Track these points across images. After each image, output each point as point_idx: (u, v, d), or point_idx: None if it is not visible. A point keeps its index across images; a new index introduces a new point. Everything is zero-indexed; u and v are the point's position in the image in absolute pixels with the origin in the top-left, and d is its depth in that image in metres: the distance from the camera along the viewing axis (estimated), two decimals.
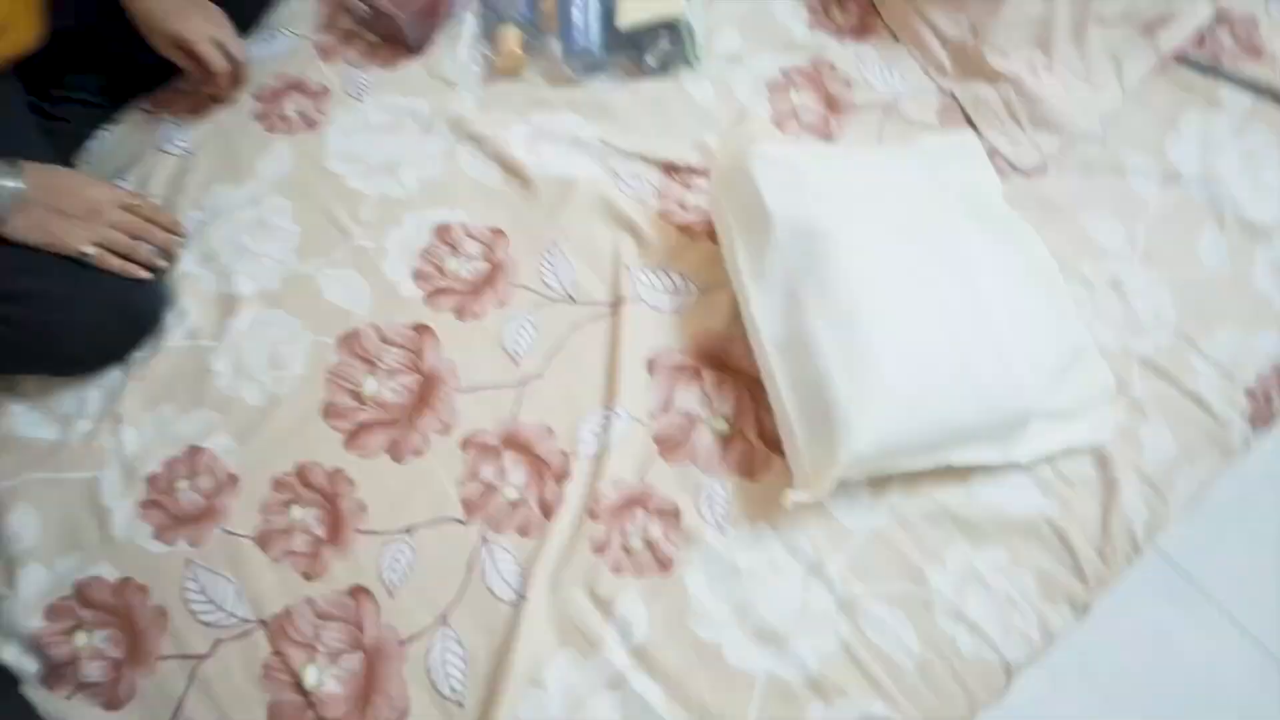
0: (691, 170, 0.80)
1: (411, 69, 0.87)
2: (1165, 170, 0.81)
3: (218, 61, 0.79)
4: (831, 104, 0.85)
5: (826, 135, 0.83)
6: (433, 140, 0.82)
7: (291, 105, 0.85)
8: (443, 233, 0.77)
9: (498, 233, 0.78)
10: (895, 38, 0.89)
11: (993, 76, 0.85)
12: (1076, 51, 0.86)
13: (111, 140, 0.84)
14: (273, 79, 0.86)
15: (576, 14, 0.82)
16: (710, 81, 0.86)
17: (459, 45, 0.87)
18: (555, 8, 0.84)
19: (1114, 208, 0.80)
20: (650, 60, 0.84)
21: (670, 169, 0.80)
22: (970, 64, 0.86)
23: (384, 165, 0.81)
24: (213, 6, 0.80)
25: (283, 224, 0.78)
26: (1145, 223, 0.80)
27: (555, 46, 0.86)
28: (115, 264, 0.69)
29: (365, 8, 0.84)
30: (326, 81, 0.86)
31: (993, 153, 0.81)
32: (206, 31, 0.78)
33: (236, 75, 0.83)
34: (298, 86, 0.86)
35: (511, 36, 0.83)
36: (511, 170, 0.80)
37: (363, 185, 0.80)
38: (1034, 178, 0.82)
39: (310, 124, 0.83)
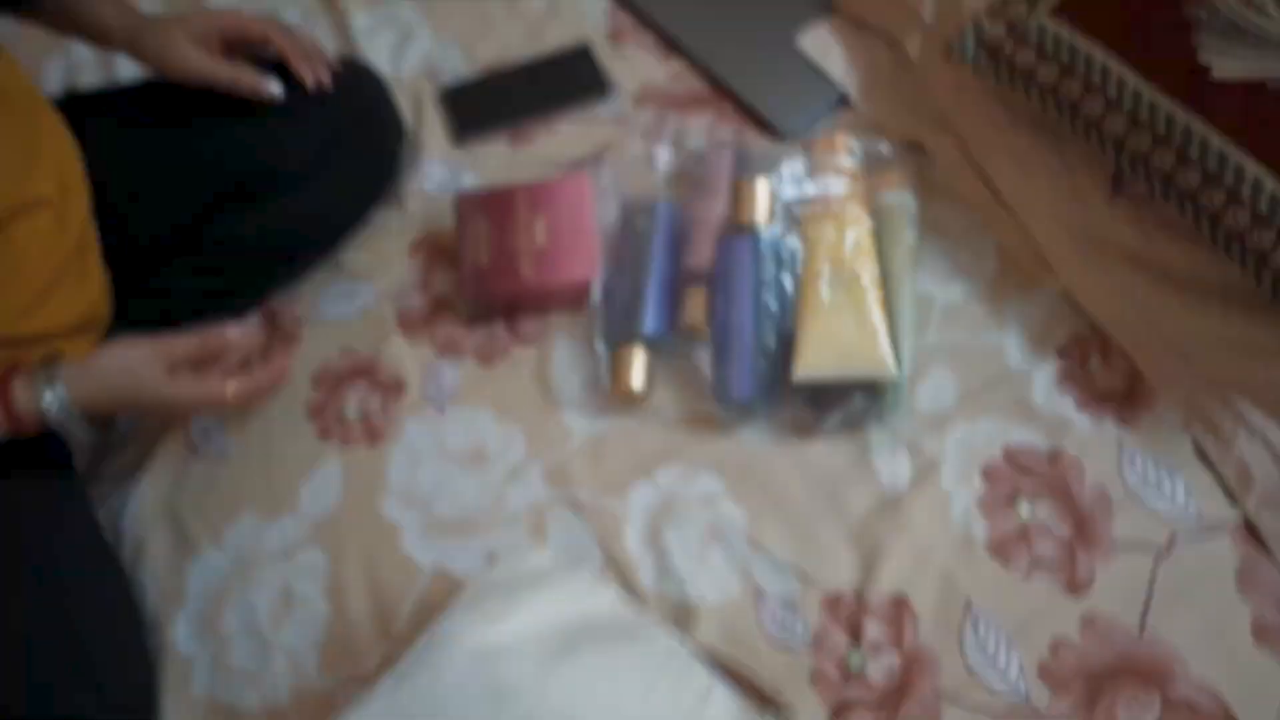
0: (864, 610, 0.56)
1: (514, 368, 0.68)
2: None
3: (277, 33, 0.64)
4: (1081, 527, 0.60)
5: (1073, 585, 0.58)
6: (519, 491, 0.63)
7: (354, 401, 0.67)
8: None
9: None
10: (1179, 420, 0.61)
11: None
12: None
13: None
14: (338, 355, 0.70)
15: (737, 348, 0.60)
16: (907, 453, 0.62)
17: (577, 352, 0.67)
18: (704, 320, 0.63)
19: None
20: (832, 423, 0.62)
21: (834, 606, 0.58)
22: None
23: (451, 524, 0.62)
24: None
25: (311, 600, 0.61)
26: None
27: (701, 364, 0.65)
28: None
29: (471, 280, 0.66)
30: (403, 372, 0.68)
31: None
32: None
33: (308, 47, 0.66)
34: (366, 373, 0.69)
35: (634, 364, 0.62)
36: (616, 566, 0.60)
37: (418, 550, 0.62)
38: None
39: (373, 436, 0.66)
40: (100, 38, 0.63)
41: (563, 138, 0.78)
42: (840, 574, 0.59)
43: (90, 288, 0.62)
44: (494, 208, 0.68)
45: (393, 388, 0.68)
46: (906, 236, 0.63)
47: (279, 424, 0.67)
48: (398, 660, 0.51)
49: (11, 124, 0.56)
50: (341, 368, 0.69)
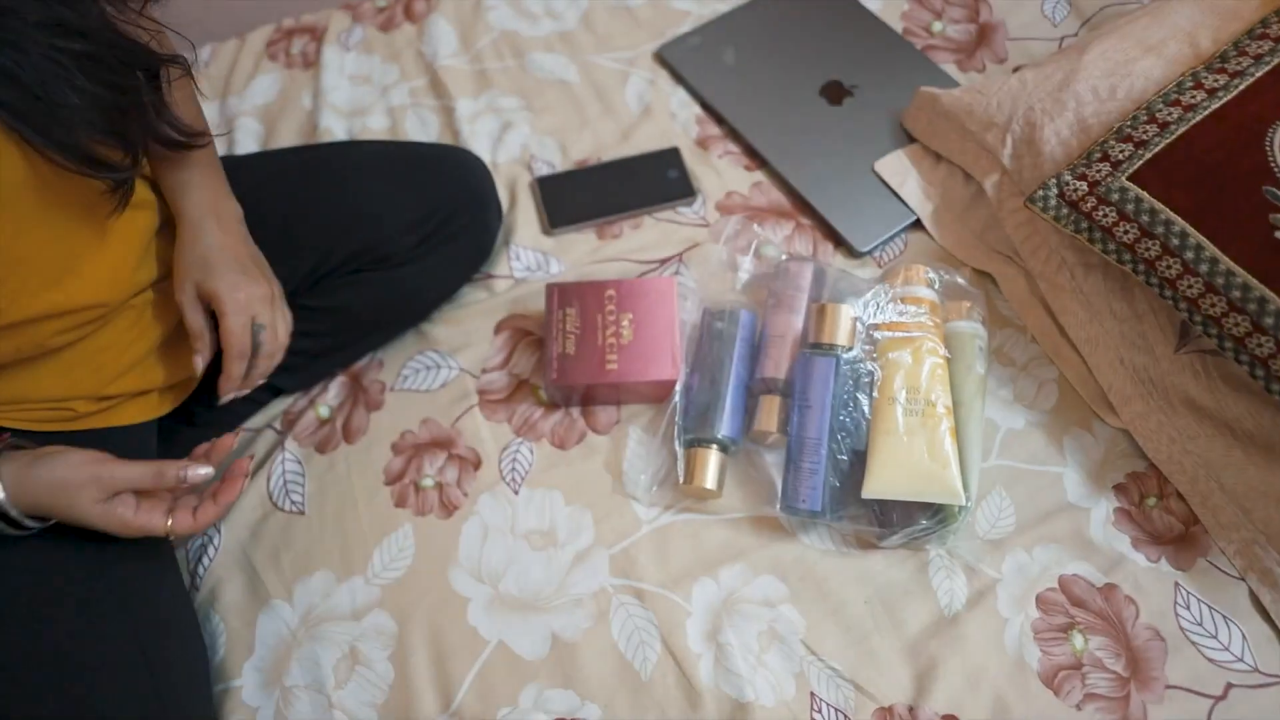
0: None
1: (588, 455, 0.70)
2: None
3: (240, 342, 0.59)
4: (1134, 665, 0.62)
5: None
6: (585, 575, 0.65)
7: (431, 472, 0.71)
8: None
9: None
10: (1236, 569, 0.63)
11: None
12: None
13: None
14: (419, 425, 0.73)
15: (811, 460, 0.62)
16: (964, 575, 0.65)
17: (649, 445, 0.71)
18: (776, 428, 0.66)
19: None
20: (895, 541, 0.64)
21: (887, 719, 0.60)
22: None
23: (517, 601, 0.65)
24: (269, 279, 0.62)
25: (375, 662, 0.63)
26: None
27: (769, 469, 0.69)
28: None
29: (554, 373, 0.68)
30: (481, 448, 0.71)
31: None
32: (247, 303, 0.59)
33: (252, 368, 0.61)
34: (445, 445, 0.72)
35: (709, 463, 0.65)
36: (676, 661, 0.62)
37: (483, 624, 0.64)
38: None
39: (448, 508, 0.69)
40: (177, 215, 0.61)
41: (647, 236, 0.83)
42: (895, 688, 0.61)
43: (188, 347, 0.61)
44: (584, 298, 0.71)
45: (469, 462, 0.71)
46: (977, 366, 0.66)
47: (358, 487, 0.70)
48: None
49: (59, 232, 0.53)
50: (421, 438, 0.73)
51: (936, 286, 0.68)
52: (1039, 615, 0.63)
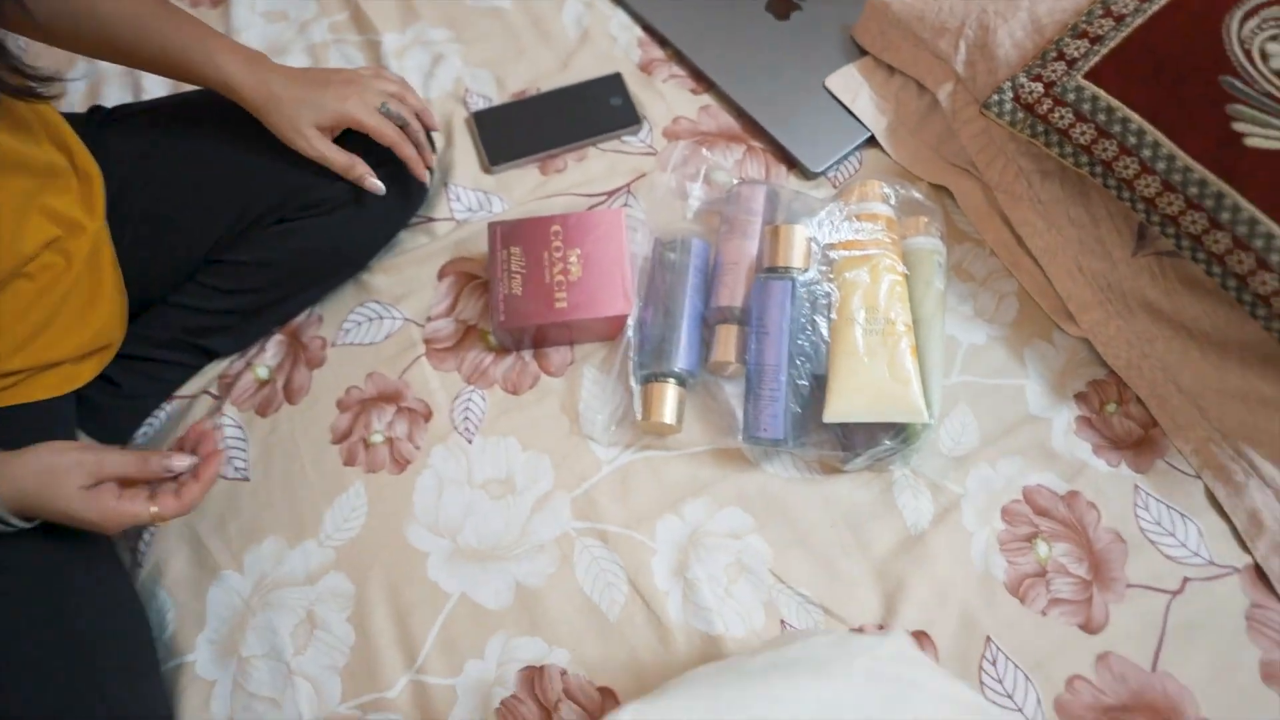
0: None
1: (542, 398, 0.69)
2: None
3: (390, 132, 0.65)
4: (1097, 568, 0.63)
5: (1089, 624, 0.61)
6: (546, 522, 0.64)
7: (380, 426, 0.69)
8: (531, 679, 0.59)
9: (606, 693, 0.59)
10: (1192, 467, 0.64)
11: None
12: None
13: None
14: (364, 381, 0.71)
15: (770, 388, 0.62)
16: (929, 493, 0.65)
17: (605, 384, 0.69)
18: (735, 357, 0.65)
19: None
20: (858, 463, 0.64)
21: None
22: None
23: (477, 553, 0.63)
24: (336, 70, 0.67)
25: (334, 625, 0.61)
26: None
27: (730, 400, 0.68)
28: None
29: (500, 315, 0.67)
30: (431, 399, 0.69)
31: None
32: (360, 103, 0.64)
33: (420, 138, 0.68)
34: (393, 399, 0.70)
35: (667, 398, 0.64)
36: (644, 600, 0.62)
37: (443, 577, 0.63)
38: None
39: (400, 463, 0.67)
40: (223, 89, 0.63)
41: (592, 168, 0.80)
42: (863, 609, 0.61)
43: (99, 314, 0.62)
44: (528, 236, 0.69)
45: (419, 414, 0.69)
46: (936, 281, 0.65)
47: (304, 448, 0.68)
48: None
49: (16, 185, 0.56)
50: (367, 392, 0.70)
51: (892, 202, 0.67)
52: (1004, 527, 0.64)
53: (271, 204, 0.66)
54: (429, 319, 0.73)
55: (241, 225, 0.66)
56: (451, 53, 0.85)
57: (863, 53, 0.82)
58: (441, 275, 0.75)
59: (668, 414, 0.64)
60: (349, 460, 0.67)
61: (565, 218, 0.69)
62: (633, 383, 0.66)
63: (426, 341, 0.72)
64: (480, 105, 0.82)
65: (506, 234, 0.69)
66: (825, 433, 0.64)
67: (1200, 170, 0.58)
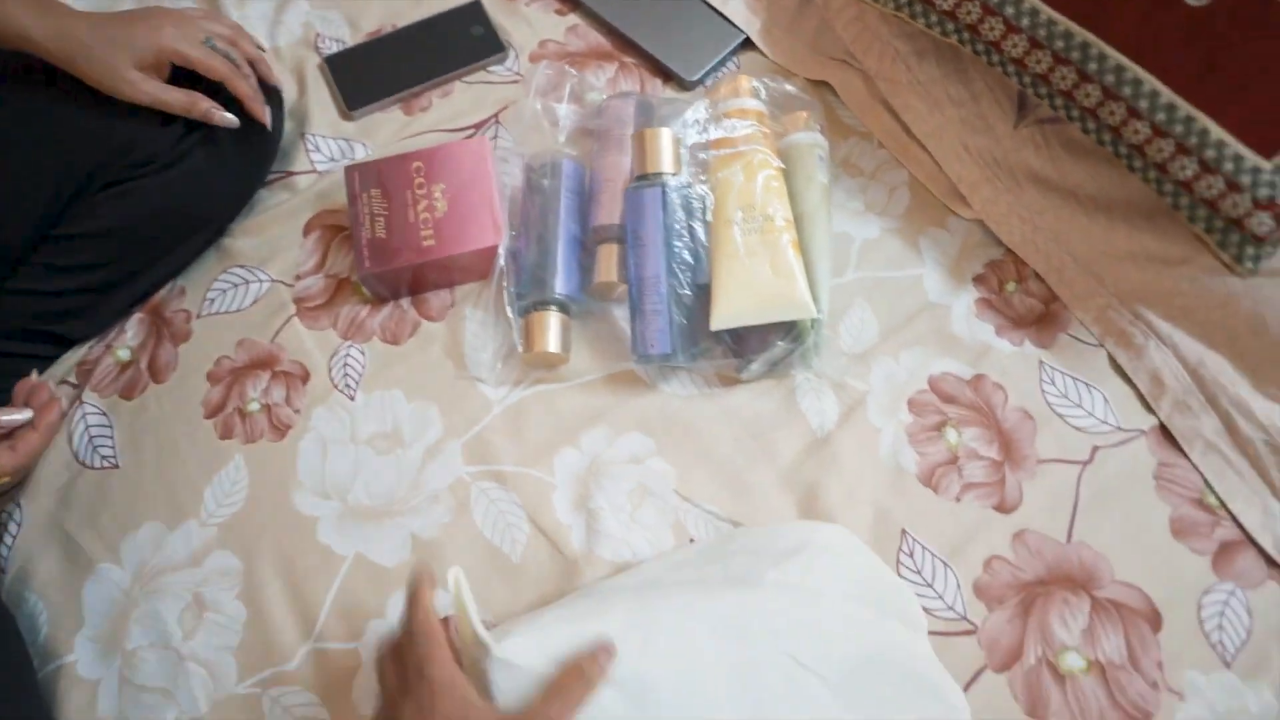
0: None
1: (424, 345, 0.66)
2: None
3: (221, 66, 0.61)
4: (1007, 448, 0.63)
5: (1002, 504, 0.61)
6: (439, 470, 0.61)
7: (255, 394, 0.65)
8: None
9: None
10: (1094, 336, 0.64)
11: (1244, 411, 0.61)
12: None
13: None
14: (234, 350, 0.67)
15: (653, 302, 0.59)
16: (833, 393, 0.64)
17: (488, 322, 0.66)
18: (618, 277, 0.63)
19: None
20: (755, 370, 0.62)
21: None
22: (1205, 384, 0.64)
23: (370, 510, 0.60)
24: (170, 9, 0.63)
25: (223, 605, 0.58)
26: None
27: (619, 323, 0.66)
28: None
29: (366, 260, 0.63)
30: (307, 360, 0.66)
31: (1234, 545, 0.56)
32: (185, 35, 0.60)
33: (254, 82, 0.64)
34: (267, 364, 0.66)
35: (548, 327, 0.61)
36: (547, 537, 0.59)
37: (336, 540, 0.60)
38: None
39: (280, 429, 0.64)
40: (18, 44, 0.57)
41: (459, 103, 0.76)
42: (776, 517, 0.60)
43: None
44: (388, 178, 0.65)
45: (296, 377, 0.66)
46: (819, 175, 0.63)
47: (176, 427, 0.64)
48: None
49: None
50: (239, 361, 0.66)
51: (763, 96, 0.64)
52: (912, 419, 0.63)
53: (96, 165, 0.61)
54: (298, 277, 0.69)
55: (68, 193, 0.61)
56: None
57: None
58: (307, 231, 0.71)
59: (551, 343, 0.61)
60: (225, 433, 0.64)
61: (426, 153, 0.66)
62: (511, 315, 0.63)
63: (297, 301, 0.68)
64: (334, 50, 0.78)
65: (364, 175, 0.65)
66: (716, 342, 0.62)
67: (1064, 21, 0.57)
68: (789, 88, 0.67)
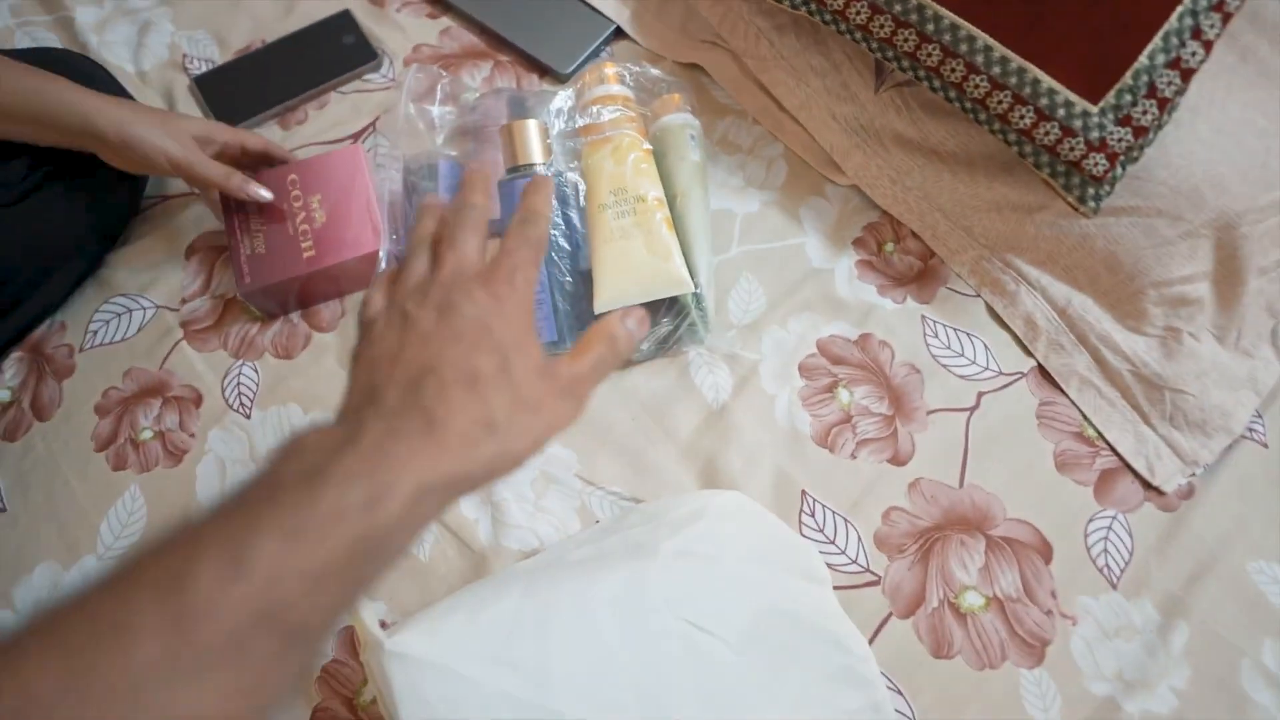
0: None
1: (317, 357, 0.66)
2: None
3: (219, 176, 0.62)
4: (897, 403, 0.65)
5: (897, 457, 0.63)
6: None
7: (148, 423, 0.65)
8: (350, 639, 0.56)
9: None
10: (971, 288, 0.67)
11: (1110, 345, 0.65)
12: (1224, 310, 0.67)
13: None
14: (122, 380, 0.66)
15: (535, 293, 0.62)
16: (726, 366, 0.66)
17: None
18: None
19: None
20: (646, 349, 0.64)
21: None
22: (1074, 323, 0.67)
23: None
24: (167, 115, 0.63)
25: None
26: None
27: None
28: None
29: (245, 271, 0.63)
30: (198, 383, 0.66)
31: (1112, 473, 0.60)
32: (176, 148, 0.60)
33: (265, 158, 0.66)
34: (157, 391, 0.66)
35: None
36: (453, 534, 0.59)
37: None
38: (1179, 506, 0.60)
39: (175, 455, 0.63)
40: (86, 127, 0.58)
41: (336, 113, 0.76)
42: (679, 490, 0.61)
43: None
44: None
45: (189, 400, 0.65)
46: (691, 154, 0.65)
47: (65, 464, 0.63)
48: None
49: None
50: (127, 390, 0.66)
51: (628, 81, 0.66)
52: (804, 382, 0.65)
53: None
54: (184, 301, 0.69)
55: None
56: (160, 18, 0.80)
57: None
58: (189, 254, 0.70)
59: None
60: (119, 464, 0.63)
61: (300, 165, 0.66)
62: None
63: (184, 325, 0.68)
64: (203, 69, 0.77)
65: None
66: None
67: None
68: (654, 71, 0.69)
